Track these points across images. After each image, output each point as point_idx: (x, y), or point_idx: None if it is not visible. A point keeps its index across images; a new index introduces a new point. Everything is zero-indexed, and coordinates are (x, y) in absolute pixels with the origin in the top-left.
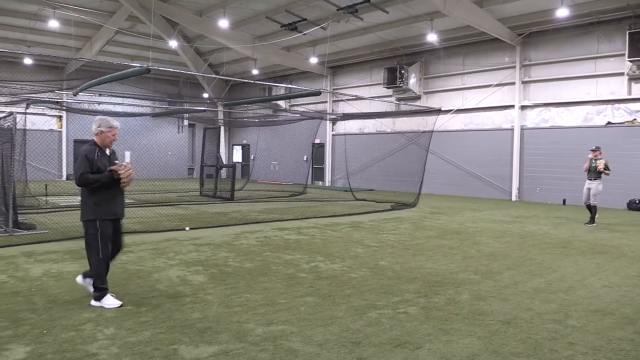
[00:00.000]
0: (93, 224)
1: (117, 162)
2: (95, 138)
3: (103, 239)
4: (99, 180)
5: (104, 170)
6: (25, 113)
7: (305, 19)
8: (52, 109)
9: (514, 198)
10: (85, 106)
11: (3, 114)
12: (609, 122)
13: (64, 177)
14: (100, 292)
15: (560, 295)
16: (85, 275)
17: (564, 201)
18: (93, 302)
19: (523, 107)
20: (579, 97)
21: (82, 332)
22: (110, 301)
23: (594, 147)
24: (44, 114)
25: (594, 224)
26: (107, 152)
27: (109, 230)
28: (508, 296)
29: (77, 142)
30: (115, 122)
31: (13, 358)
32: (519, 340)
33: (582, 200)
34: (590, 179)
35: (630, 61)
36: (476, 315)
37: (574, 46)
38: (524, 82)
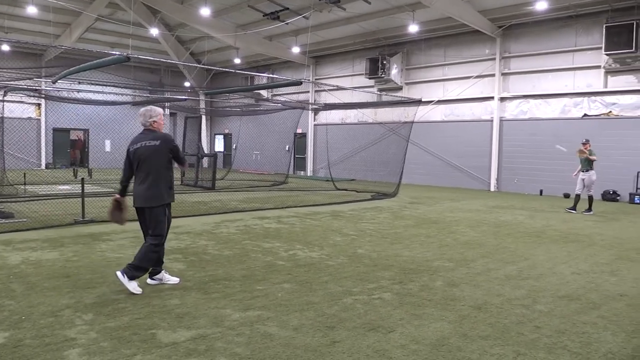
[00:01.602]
0: (163, 209)
1: None
2: (154, 126)
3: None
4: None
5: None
6: (3, 101)
7: (288, 8)
8: (31, 96)
9: (492, 188)
10: (64, 94)
11: None
12: (585, 115)
13: (43, 166)
14: (138, 272)
15: (530, 282)
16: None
17: (541, 192)
18: (120, 275)
19: (502, 99)
20: (556, 89)
21: (61, 317)
22: (135, 286)
23: (584, 140)
24: (22, 102)
25: (592, 212)
26: None
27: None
28: (480, 283)
29: (57, 131)
30: (159, 108)
31: None
32: (488, 324)
33: (560, 190)
34: (584, 170)
35: (607, 54)
36: (448, 301)
37: (552, 39)
38: (503, 74)
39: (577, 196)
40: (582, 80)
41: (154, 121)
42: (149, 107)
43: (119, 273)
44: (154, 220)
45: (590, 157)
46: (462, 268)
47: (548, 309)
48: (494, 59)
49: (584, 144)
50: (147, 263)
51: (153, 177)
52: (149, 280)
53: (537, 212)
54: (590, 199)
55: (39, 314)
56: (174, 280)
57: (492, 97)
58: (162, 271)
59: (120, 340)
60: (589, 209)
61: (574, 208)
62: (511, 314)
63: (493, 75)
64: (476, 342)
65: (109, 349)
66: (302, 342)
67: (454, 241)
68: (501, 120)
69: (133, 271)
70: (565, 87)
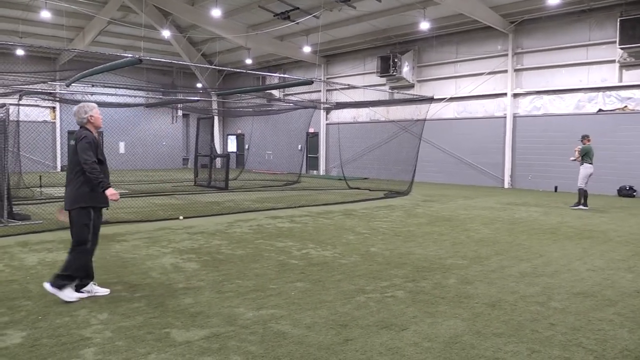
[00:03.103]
0: (85, 213)
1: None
2: (87, 126)
3: (94, 228)
4: (101, 181)
5: (103, 160)
6: (19, 104)
7: (298, 8)
8: (46, 100)
9: (506, 185)
10: (79, 97)
11: None
12: (600, 110)
13: (59, 169)
14: (66, 280)
15: (544, 279)
16: (84, 284)
17: (556, 188)
18: (48, 286)
19: (515, 95)
20: (570, 84)
21: (77, 317)
22: (70, 294)
23: (581, 137)
24: (37, 106)
25: (580, 207)
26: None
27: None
28: (494, 280)
29: (71, 133)
30: (92, 103)
31: (10, 342)
32: (502, 321)
33: (575, 187)
34: (589, 163)
35: (622, 48)
36: (462, 299)
37: (566, 34)
38: (516, 70)
39: (584, 191)
40: (597, 75)
41: (91, 116)
42: (81, 104)
43: (46, 285)
44: (73, 224)
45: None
46: (476, 265)
47: (563, 306)
48: (507, 55)
49: (582, 139)
50: (74, 272)
51: (70, 178)
52: (76, 295)
53: (551, 209)
54: (582, 192)
55: (55, 314)
56: (104, 291)
57: (505, 94)
58: (91, 283)
59: (134, 339)
60: (578, 204)
61: (585, 204)
62: (525, 311)
63: (506, 71)
64: (490, 339)
65: (124, 348)
66: (315, 340)
67: (467, 239)
68: (514, 117)
69: (59, 280)
70: (579, 82)
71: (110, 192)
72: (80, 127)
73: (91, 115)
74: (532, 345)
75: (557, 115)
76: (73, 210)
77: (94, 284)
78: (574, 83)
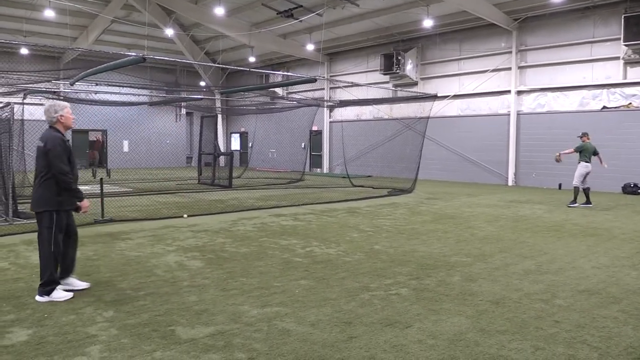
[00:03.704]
0: (49, 216)
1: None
2: (57, 126)
3: (60, 231)
4: (74, 191)
5: (73, 164)
6: (23, 103)
7: (301, 6)
8: (50, 99)
9: (510, 183)
10: (83, 96)
11: (0, 105)
12: (604, 107)
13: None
14: (50, 285)
15: (549, 277)
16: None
17: (560, 186)
18: (39, 298)
19: (519, 92)
20: (574, 81)
21: (82, 315)
22: (60, 294)
23: (580, 134)
24: (41, 104)
25: (576, 205)
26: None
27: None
28: (498, 277)
29: (75, 132)
30: (63, 102)
31: (16, 340)
32: (506, 318)
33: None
34: (586, 161)
35: (626, 45)
36: (466, 296)
37: (570, 31)
38: (520, 67)
39: (587, 189)
40: (601, 72)
41: (61, 115)
42: (52, 102)
43: (37, 298)
44: (38, 226)
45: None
46: (480, 263)
47: (567, 303)
48: (510, 52)
49: (581, 137)
50: (49, 275)
51: (37, 180)
52: (66, 293)
53: (555, 207)
54: (577, 191)
55: (61, 312)
56: (83, 284)
57: (509, 91)
58: (70, 277)
59: (140, 336)
60: (574, 201)
61: (588, 201)
62: (530, 309)
63: (509, 68)
64: (494, 336)
65: (129, 346)
66: (320, 338)
67: (471, 236)
68: (518, 114)
69: (44, 287)
70: (583, 79)
71: (84, 204)
72: (50, 127)
73: (61, 115)
74: (536, 342)
75: (561, 112)
76: (38, 214)
77: (73, 277)
78: (578, 80)
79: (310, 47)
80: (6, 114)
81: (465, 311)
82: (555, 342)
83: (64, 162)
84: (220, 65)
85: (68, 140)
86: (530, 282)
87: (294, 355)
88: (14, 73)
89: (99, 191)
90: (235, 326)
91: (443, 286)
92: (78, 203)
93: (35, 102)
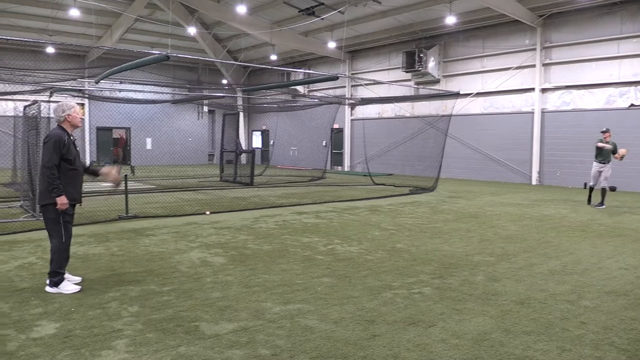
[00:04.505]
0: (53, 208)
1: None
2: (64, 125)
3: (65, 223)
4: (57, 188)
5: (73, 159)
6: (49, 101)
7: (323, 4)
8: (75, 96)
9: (534, 182)
10: (107, 94)
11: (28, 103)
12: (632, 105)
13: (87, 164)
14: (57, 277)
15: (575, 277)
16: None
17: (585, 185)
18: (49, 289)
19: (544, 90)
20: (601, 79)
21: (108, 309)
22: (68, 287)
23: (605, 129)
24: None
25: (604, 206)
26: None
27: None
28: (523, 277)
29: (100, 130)
30: (72, 101)
31: (44, 333)
32: (531, 319)
33: (601, 184)
34: (603, 162)
35: None
36: (490, 296)
37: (596, 27)
38: (544, 65)
39: (592, 189)
40: (628, 69)
41: (68, 114)
42: (61, 102)
43: (47, 289)
44: (44, 219)
45: (606, 146)
46: (504, 262)
47: (594, 304)
48: (535, 49)
49: (603, 132)
50: (57, 267)
51: (41, 174)
52: (75, 286)
53: (581, 206)
54: (605, 192)
55: (87, 306)
56: (76, 278)
57: (533, 89)
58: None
59: (164, 331)
60: (602, 203)
61: (602, 202)
62: (555, 310)
63: (534, 66)
64: (519, 337)
65: (154, 340)
66: (342, 336)
67: (494, 235)
68: (543, 112)
69: (52, 278)
70: (610, 77)
71: (61, 200)
72: (58, 125)
73: (68, 114)
74: (562, 343)
75: (587, 110)
76: (42, 207)
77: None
78: (605, 77)
79: (331, 44)
80: (33, 111)
81: (490, 311)
82: (582, 344)
83: (52, 156)
84: (242, 64)
85: (73, 138)
86: (556, 282)
87: (316, 353)
88: (41, 71)
89: (123, 188)
90: (258, 322)
91: (466, 285)
92: (57, 199)
93: (61, 100)
